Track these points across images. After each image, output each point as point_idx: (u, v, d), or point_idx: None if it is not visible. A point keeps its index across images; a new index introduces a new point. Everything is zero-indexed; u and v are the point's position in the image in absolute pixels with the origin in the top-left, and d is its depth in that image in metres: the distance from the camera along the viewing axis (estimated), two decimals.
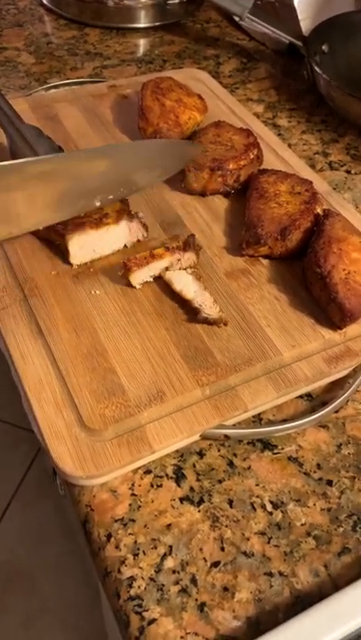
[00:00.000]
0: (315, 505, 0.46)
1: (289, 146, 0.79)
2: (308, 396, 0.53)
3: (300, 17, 0.97)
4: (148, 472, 0.47)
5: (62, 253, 0.58)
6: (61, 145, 0.69)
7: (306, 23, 0.97)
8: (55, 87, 0.84)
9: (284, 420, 0.51)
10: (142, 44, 1.00)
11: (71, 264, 0.57)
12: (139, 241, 0.60)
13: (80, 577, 1.31)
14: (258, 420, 0.51)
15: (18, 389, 0.50)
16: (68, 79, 0.88)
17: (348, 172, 0.77)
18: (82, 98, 0.80)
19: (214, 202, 0.66)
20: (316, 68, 0.81)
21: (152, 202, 0.65)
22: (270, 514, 0.45)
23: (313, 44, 0.88)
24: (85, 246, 0.57)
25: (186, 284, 0.53)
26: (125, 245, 0.59)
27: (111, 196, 0.57)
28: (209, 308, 0.52)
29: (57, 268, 0.57)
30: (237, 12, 0.89)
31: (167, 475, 0.47)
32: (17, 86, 0.86)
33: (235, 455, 0.48)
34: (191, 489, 0.46)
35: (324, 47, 0.90)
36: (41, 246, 0.60)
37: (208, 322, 0.52)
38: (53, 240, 0.58)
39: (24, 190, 0.49)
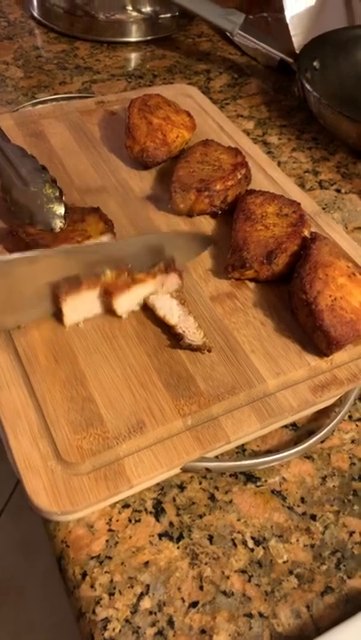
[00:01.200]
0: (298, 541, 0.45)
1: (279, 164, 0.79)
2: (294, 425, 0.51)
3: (292, 32, 0.97)
4: (126, 506, 0.46)
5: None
6: (46, 163, 0.68)
7: (298, 39, 0.97)
8: (43, 102, 0.83)
9: (268, 451, 0.49)
10: (133, 58, 0.99)
11: None
12: None
13: None
14: (241, 450, 0.49)
15: None
16: (56, 94, 0.87)
17: (338, 190, 0.76)
18: (69, 114, 0.79)
19: (201, 222, 0.65)
20: (307, 85, 0.81)
21: (137, 221, 0.64)
22: (251, 550, 0.44)
23: (304, 60, 0.87)
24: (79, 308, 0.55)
25: (170, 309, 0.52)
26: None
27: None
28: (192, 333, 0.51)
29: None
30: (228, 29, 0.88)
31: (146, 509, 0.45)
32: (4, 101, 0.85)
33: (216, 488, 0.47)
34: (171, 524, 0.45)
35: (315, 63, 0.89)
36: None
37: (192, 348, 0.51)
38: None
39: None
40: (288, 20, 0.96)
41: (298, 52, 0.94)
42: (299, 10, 0.98)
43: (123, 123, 0.77)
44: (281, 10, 1.07)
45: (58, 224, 0.60)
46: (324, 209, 0.72)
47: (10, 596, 1.30)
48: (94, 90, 0.89)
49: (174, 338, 0.52)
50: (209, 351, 0.51)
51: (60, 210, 0.60)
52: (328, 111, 0.78)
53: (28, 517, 1.40)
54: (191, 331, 0.51)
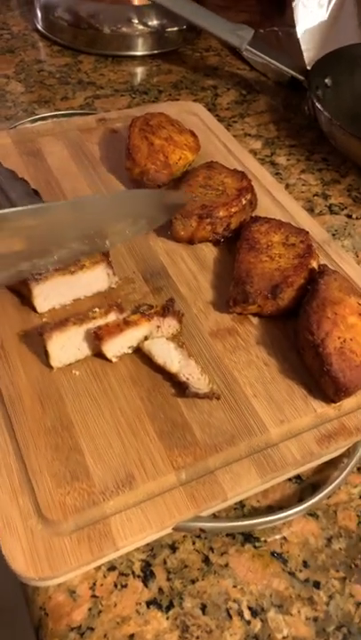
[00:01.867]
0: (299, 612, 0.40)
1: (287, 186, 0.75)
2: (298, 477, 0.47)
3: (303, 47, 0.93)
4: (112, 568, 0.42)
5: (31, 305, 0.53)
6: (42, 184, 0.65)
7: (310, 54, 0.93)
8: (42, 119, 0.80)
9: (270, 507, 0.45)
10: (138, 72, 0.96)
11: (39, 313, 0.53)
12: (112, 289, 0.56)
13: None
14: (240, 506, 0.45)
15: None
16: (57, 109, 0.84)
17: (348, 216, 0.72)
18: (69, 132, 0.75)
19: (202, 250, 0.61)
20: (318, 105, 0.77)
21: (135, 249, 0.60)
22: (248, 623, 0.40)
23: (316, 77, 0.83)
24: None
25: (168, 354, 0.48)
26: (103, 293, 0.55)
27: (86, 248, 0.52)
28: (197, 380, 0.47)
29: (26, 324, 0.53)
30: (236, 44, 0.85)
31: (134, 572, 0.42)
32: (2, 117, 0.82)
33: (211, 550, 0.43)
34: (160, 590, 0.41)
35: (327, 80, 0.86)
36: (10, 296, 0.55)
37: (198, 396, 0.47)
38: (20, 290, 0.54)
39: None
40: (299, 35, 0.93)
41: (309, 67, 0.91)
42: (311, 25, 0.95)
43: (124, 141, 0.73)
44: (292, 24, 1.04)
45: None
46: (333, 235, 0.69)
47: (3, 620, 1.27)
48: (97, 105, 0.86)
49: (177, 386, 0.48)
50: (217, 399, 0.47)
51: None
52: (340, 132, 0.75)
53: None
54: (195, 377, 0.47)
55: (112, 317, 0.50)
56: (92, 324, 0.49)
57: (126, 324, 0.48)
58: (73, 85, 0.90)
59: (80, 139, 0.74)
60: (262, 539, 0.44)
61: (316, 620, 0.40)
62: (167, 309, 0.50)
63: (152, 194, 0.58)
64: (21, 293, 0.54)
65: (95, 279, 0.54)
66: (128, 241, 0.61)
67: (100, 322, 0.49)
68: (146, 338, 0.50)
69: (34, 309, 0.53)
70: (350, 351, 0.47)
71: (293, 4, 0.93)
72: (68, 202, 0.54)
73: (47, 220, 0.46)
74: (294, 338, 0.53)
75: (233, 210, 0.60)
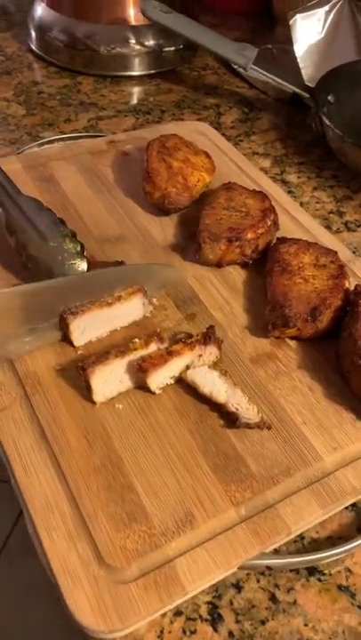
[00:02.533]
0: None
1: (301, 205, 0.75)
2: (353, 505, 0.46)
3: (301, 65, 0.94)
4: (178, 614, 0.40)
5: (67, 339, 0.52)
6: (59, 210, 0.63)
7: (308, 71, 0.94)
8: (49, 142, 0.78)
9: (329, 538, 0.44)
10: (138, 92, 0.95)
11: (75, 347, 0.51)
12: (146, 317, 0.54)
13: None
14: (300, 538, 0.44)
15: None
16: (61, 132, 0.83)
17: None
18: (79, 155, 0.74)
19: (231, 273, 0.60)
20: (327, 121, 0.77)
21: None
22: None
23: (320, 94, 0.84)
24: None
25: (213, 384, 0.47)
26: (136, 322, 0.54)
27: None
28: (246, 409, 0.46)
29: (61, 359, 0.51)
30: (241, 64, 0.84)
31: (201, 616, 0.40)
32: (7, 140, 0.81)
33: (277, 587, 0.42)
34: (231, 634, 0.39)
35: (330, 97, 0.86)
36: None
37: (250, 427, 0.46)
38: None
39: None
40: (298, 54, 0.94)
41: (307, 84, 0.91)
42: (308, 42, 0.95)
43: (137, 164, 0.73)
44: (286, 41, 1.04)
45: None
46: (354, 253, 0.68)
47: None
48: (101, 127, 0.85)
49: (225, 417, 0.47)
50: (268, 428, 0.46)
51: (83, 265, 0.55)
52: (351, 148, 0.75)
53: (24, 564, 1.32)
54: (244, 407, 0.46)
55: (153, 348, 0.49)
56: (133, 356, 0.48)
57: (170, 354, 0.47)
58: (75, 107, 0.89)
59: (92, 162, 0.73)
60: (326, 571, 0.43)
61: None
62: (209, 337, 0.49)
63: (144, 268, 0.58)
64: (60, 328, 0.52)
65: (131, 309, 0.53)
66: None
67: (142, 353, 0.48)
68: (187, 367, 0.49)
69: (71, 344, 0.51)
70: None
71: (290, 22, 0.93)
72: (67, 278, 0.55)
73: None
74: (336, 361, 0.52)
75: (260, 231, 0.59)
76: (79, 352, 0.51)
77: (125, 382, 0.48)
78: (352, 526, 0.45)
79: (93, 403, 0.47)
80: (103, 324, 0.52)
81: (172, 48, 1.00)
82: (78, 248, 0.55)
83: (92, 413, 0.47)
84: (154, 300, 0.55)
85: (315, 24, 0.96)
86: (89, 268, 0.55)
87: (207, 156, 0.71)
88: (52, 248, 0.55)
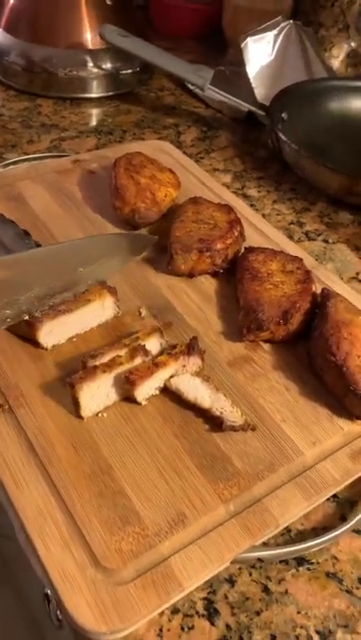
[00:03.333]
0: None
1: (263, 216, 0.78)
2: (334, 496, 0.48)
3: (253, 85, 0.98)
4: (175, 611, 0.41)
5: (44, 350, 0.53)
6: (30, 228, 0.64)
7: (260, 91, 0.98)
8: (14, 163, 0.79)
9: (314, 529, 0.46)
10: (98, 113, 0.98)
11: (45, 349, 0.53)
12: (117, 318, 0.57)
13: None
14: (287, 531, 0.46)
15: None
16: (25, 153, 0.84)
17: (325, 241, 0.76)
18: (45, 175, 0.75)
19: (203, 283, 0.63)
20: (284, 137, 0.81)
21: (138, 286, 0.61)
22: None
23: (275, 112, 0.88)
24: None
25: (197, 390, 0.49)
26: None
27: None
28: (230, 412, 0.47)
29: (42, 370, 0.51)
30: (199, 84, 0.88)
31: (198, 612, 0.41)
32: None
33: (268, 578, 0.43)
34: (228, 627, 0.40)
35: (283, 115, 0.90)
36: (21, 344, 0.54)
37: (234, 429, 0.47)
38: (25, 334, 0.53)
39: None
40: (250, 74, 0.98)
41: (260, 103, 0.96)
42: (259, 64, 1.00)
43: (103, 182, 0.74)
44: (237, 63, 1.09)
45: None
46: (316, 260, 0.72)
47: None
48: (65, 148, 0.86)
49: (210, 421, 0.48)
50: (253, 430, 0.48)
51: None
52: (308, 162, 0.79)
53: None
54: (228, 410, 0.48)
55: (138, 361, 0.50)
56: (120, 370, 0.49)
57: (155, 365, 0.48)
58: (36, 129, 0.90)
59: (58, 181, 0.74)
60: (314, 560, 0.44)
61: None
62: (192, 348, 0.51)
63: (122, 236, 0.60)
64: (22, 333, 0.53)
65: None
66: (127, 279, 0.61)
67: (128, 366, 0.49)
68: (171, 376, 0.50)
69: (40, 346, 0.53)
70: None
71: (242, 44, 0.98)
72: (39, 250, 0.56)
73: (18, 271, 0.51)
74: (310, 361, 0.54)
75: (228, 242, 0.62)
76: (56, 360, 0.52)
77: (112, 396, 0.49)
78: (335, 516, 0.47)
79: (80, 417, 0.48)
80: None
81: (130, 70, 1.03)
82: None
83: (79, 423, 0.48)
84: (142, 311, 0.58)
85: (265, 46, 1.01)
86: None
87: (172, 172, 0.73)
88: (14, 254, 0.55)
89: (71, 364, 0.51)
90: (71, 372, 0.49)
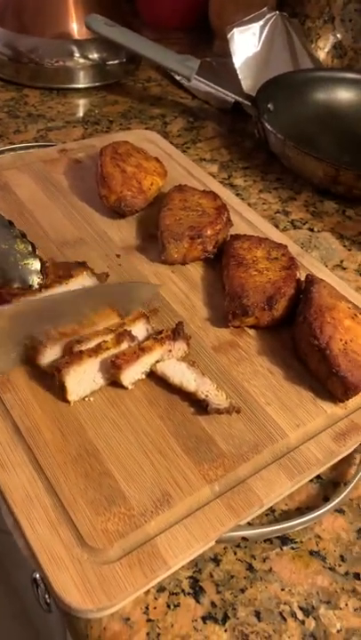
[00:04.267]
0: (346, 605, 0.42)
1: (249, 206, 0.78)
2: (318, 477, 0.49)
3: (240, 76, 0.99)
4: (161, 590, 0.41)
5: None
6: (16, 217, 0.64)
7: (246, 82, 0.99)
8: (0, 153, 0.79)
9: (298, 509, 0.47)
10: (85, 104, 0.98)
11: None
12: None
13: None
14: (271, 511, 0.46)
15: None
16: (12, 143, 0.84)
17: (310, 229, 0.76)
18: (32, 164, 0.75)
19: (188, 270, 0.63)
20: (270, 128, 0.81)
21: (124, 273, 0.61)
22: (302, 622, 0.41)
23: (261, 102, 0.88)
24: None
25: (183, 374, 0.49)
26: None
27: None
28: (215, 396, 0.48)
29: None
30: (186, 74, 0.88)
31: (184, 590, 0.42)
32: None
33: (253, 557, 0.44)
34: (213, 604, 0.41)
35: (270, 105, 0.91)
36: None
37: (220, 412, 0.48)
38: None
39: None
40: (237, 65, 0.98)
41: (247, 93, 0.96)
42: (246, 55, 1.00)
43: (89, 171, 0.74)
44: (224, 54, 1.09)
45: (35, 280, 0.56)
46: (301, 247, 0.72)
47: None
48: (51, 138, 0.86)
49: (196, 404, 0.49)
50: (238, 412, 0.49)
51: (36, 265, 0.56)
52: (293, 152, 0.79)
53: None
54: (213, 393, 0.48)
55: (125, 346, 0.50)
56: (106, 355, 0.49)
57: (142, 350, 0.49)
58: (23, 119, 0.90)
59: (45, 170, 0.74)
60: (298, 539, 0.45)
61: None
62: (178, 333, 0.51)
63: (125, 286, 0.59)
64: None
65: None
66: (115, 267, 0.61)
67: (114, 351, 0.49)
68: (157, 361, 0.51)
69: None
70: (353, 351, 0.50)
71: (228, 36, 0.98)
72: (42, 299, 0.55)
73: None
74: (294, 345, 0.55)
75: (217, 227, 0.62)
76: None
77: (98, 381, 0.49)
78: (318, 497, 0.48)
79: (67, 401, 0.48)
80: None
81: (116, 61, 1.03)
82: (30, 248, 0.56)
83: (65, 408, 0.48)
84: None
85: (251, 38, 1.01)
86: (43, 268, 0.56)
87: (158, 161, 0.73)
88: (3, 250, 0.55)
89: None
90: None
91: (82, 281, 0.56)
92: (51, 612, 0.50)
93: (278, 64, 1.02)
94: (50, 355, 0.49)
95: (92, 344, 0.50)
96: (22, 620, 1.19)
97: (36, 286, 0.55)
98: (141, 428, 0.47)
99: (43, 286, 0.54)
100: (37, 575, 0.46)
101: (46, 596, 0.48)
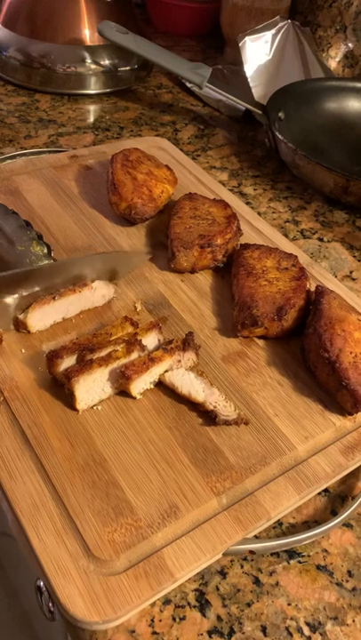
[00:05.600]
0: (354, 621, 0.42)
1: (259, 214, 0.78)
2: (325, 490, 0.49)
3: (251, 84, 0.99)
4: (167, 602, 0.41)
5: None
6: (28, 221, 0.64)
7: (257, 90, 0.99)
8: (11, 158, 0.79)
9: (306, 522, 0.47)
10: (96, 110, 0.98)
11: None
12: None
13: None
14: (278, 524, 0.46)
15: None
16: (22, 148, 0.84)
17: (320, 239, 0.76)
18: (42, 169, 0.75)
19: (198, 279, 0.63)
20: (280, 136, 0.81)
21: (133, 281, 0.61)
22: (309, 639, 0.40)
23: (272, 111, 0.88)
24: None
25: (191, 385, 0.49)
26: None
27: None
28: (223, 407, 0.48)
29: (37, 363, 0.52)
30: (197, 82, 0.88)
31: (190, 603, 0.41)
32: None
33: (260, 570, 0.44)
34: (219, 618, 0.41)
35: (280, 114, 0.91)
36: (17, 336, 0.54)
37: (228, 423, 0.48)
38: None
39: None
40: (248, 74, 0.98)
41: (258, 102, 0.96)
42: (257, 63, 1.00)
43: (100, 177, 0.75)
44: (235, 62, 1.10)
45: None
46: (311, 257, 0.72)
47: None
48: (62, 143, 0.87)
49: (204, 415, 0.48)
50: (246, 424, 0.48)
51: None
52: (304, 161, 0.79)
53: None
54: (221, 404, 0.48)
55: (135, 355, 0.50)
56: (116, 365, 0.49)
57: (151, 360, 0.49)
58: (34, 124, 0.90)
59: (55, 176, 0.75)
60: (305, 553, 0.45)
61: None
62: (188, 343, 0.51)
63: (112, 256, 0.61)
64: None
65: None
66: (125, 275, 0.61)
67: (124, 361, 0.49)
68: (166, 371, 0.51)
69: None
70: None
71: (240, 44, 0.98)
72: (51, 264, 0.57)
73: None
74: (303, 357, 0.55)
75: (227, 236, 0.62)
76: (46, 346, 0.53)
77: (107, 390, 0.49)
78: (326, 510, 0.48)
79: (75, 410, 0.48)
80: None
81: (128, 68, 1.03)
82: (45, 250, 0.57)
83: (73, 416, 0.48)
84: (137, 306, 0.58)
85: (262, 46, 1.01)
86: None
87: (168, 168, 0.73)
88: (19, 252, 0.56)
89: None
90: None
91: (94, 289, 0.56)
92: (54, 620, 0.49)
93: (289, 73, 1.02)
94: (65, 363, 0.50)
95: (103, 353, 0.50)
96: (22, 625, 1.19)
97: None
98: (149, 438, 0.47)
99: (57, 294, 0.54)
100: (41, 583, 0.46)
101: (50, 605, 0.48)
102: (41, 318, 0.54)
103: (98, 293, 0.56)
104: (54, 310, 0.54)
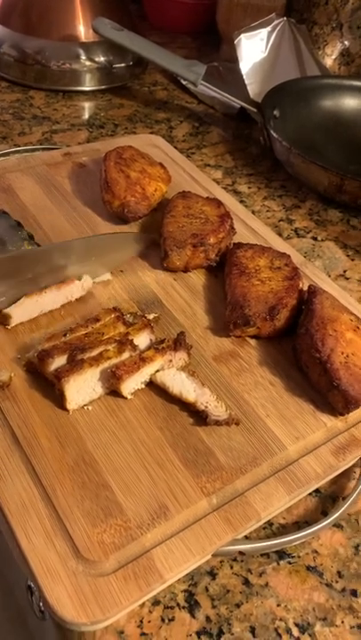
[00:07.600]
0: (343, 622, 0.42)
1: (253, 213, 0.78)
2: (316, 491, 0.49)
3: (247, 82, 0.98)
4: (156, 603, 0.41)
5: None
6: (19, 220, 0.64)
7: (253, 87, 0.98)
8: (5, 155, 0.79)
9: (296, 523, 0.47)
10: (90, 107, 0.97)
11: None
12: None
13: None
14: (269, 525, 0.46)
15: None
16: (16, 145, 0.84)
17: (314, 238, 0.76)
18: (36, 167, 0.75)
19: (191, 278, 0.63)
20: (275, 135, 0.81)
21: (126, 280, 0.61)
22: (298, 639, 0.40)
23: (267, 109, 0.88)
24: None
25: (182, 384, 0.49)
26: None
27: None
28: (214, 407, 0.48)
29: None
30: (192, 79, 0.88)
31: (179, 604, 0.41)
32: None
33: (250, 571, 0.43)
34: (208, 619, 0.41)
35: (275, 112, 0.91)
36: (6, 335, 0.54)
37: (219, 424, 0.47)
38: None
39: None
40: (244, 71, 0.98)
41: (253, 99, 0.96)
42: (252, 61, 1.00)
43: (93, 175, 0.74)
44: (231, 59, 1.09)
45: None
46: (304, 257, 0.72)
47: None
48: (56, 140, 0.86)
49: (195, 415, 0.48)
50: (237, 424, 0.48)
51: None
52: (299, 160, 0.79)
53: None
54: (212, 404, 0.48)
55: (126, 355, 0.50)
56: (107, 364, 0.49)
57: (142, 360, 0.48)
58: (28, 120, 0.90)
59: (48, 173, 0.74)
60: (295, 554, 0.45)
61: (360, 627, 0.41)
62: (179, 343, 0.51)
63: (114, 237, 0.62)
64: None
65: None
66: (116, 273, 0.61)
67: (115, 361, 0.49)
68: (157, 371, 0.50)
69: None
70: (354, 365, 0.50)
71: (235, 41, 0.98)
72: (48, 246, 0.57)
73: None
74: (295, 356, 0.55)
75: (220, 235, 0.62)
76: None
77: (98, 390, 0.49)
78: (316, 511, 0.48)
79: (65, 410, 0.48)
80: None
81: (123, 64, 1.03)
82: None
83: (64, 416, 0.48)
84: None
85: (258, 43, 1.01)
86: None
87: (162, 166, 0.73)
88: (10, 252, 0.55)
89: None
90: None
91: (85, 286, 0.56)
92: (45, 619, 0.49)
93: (285, 70, 1.02)
94: (56, 362, 0.49)
95: (94, 352, 0.49)
96: (17, 624, 1.19)
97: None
98: (140, 439, 0.47)
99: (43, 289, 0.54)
100: (31, 583, 0.46)
101: (40, 604, 0.48)
102: (24, 312, 0.54)
103: (78, 284, 0.56)
104: (37, 305, 0.54)
